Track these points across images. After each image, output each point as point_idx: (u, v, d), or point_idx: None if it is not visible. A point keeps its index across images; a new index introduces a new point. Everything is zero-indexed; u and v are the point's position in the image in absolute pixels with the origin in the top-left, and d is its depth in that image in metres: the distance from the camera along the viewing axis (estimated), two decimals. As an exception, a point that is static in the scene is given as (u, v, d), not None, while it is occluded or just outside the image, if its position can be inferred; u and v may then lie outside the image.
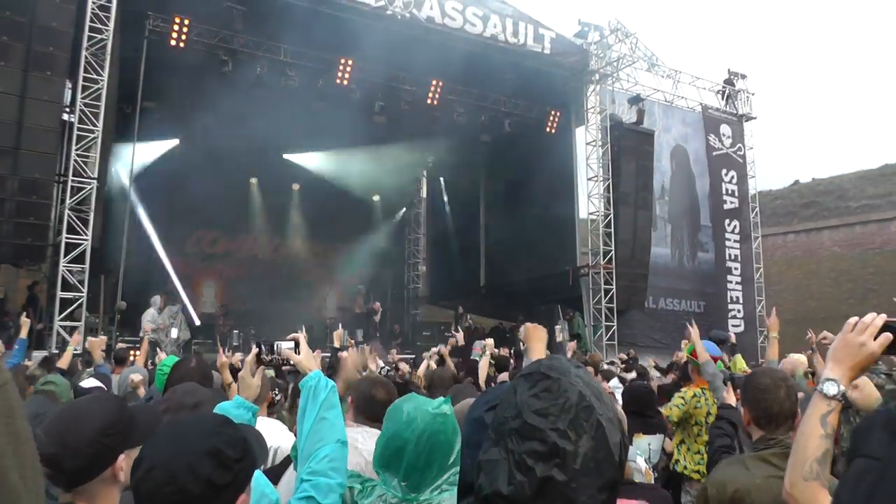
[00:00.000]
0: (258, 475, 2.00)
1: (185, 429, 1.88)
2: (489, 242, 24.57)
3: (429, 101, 18.77)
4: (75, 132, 13.49)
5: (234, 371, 5.69)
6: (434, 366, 8.75)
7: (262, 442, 2.25)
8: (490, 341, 8.98)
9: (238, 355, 7.36)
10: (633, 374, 10.40)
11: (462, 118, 19.56)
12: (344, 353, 5.23)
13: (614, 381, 9.26)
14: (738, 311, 22.11)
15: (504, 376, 7.59)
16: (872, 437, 0.67)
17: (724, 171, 22.54)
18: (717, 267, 22.08)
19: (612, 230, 19.42)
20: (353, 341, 14.58)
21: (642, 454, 5.05)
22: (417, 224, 27.85)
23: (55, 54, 12.89)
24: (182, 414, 2.85)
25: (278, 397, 5.23)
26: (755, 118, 23.65)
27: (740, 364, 7.97)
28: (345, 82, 17.56)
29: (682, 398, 6.23)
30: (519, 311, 20.68)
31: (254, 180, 22.60)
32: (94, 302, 14.28)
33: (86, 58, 13.60)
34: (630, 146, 19.78)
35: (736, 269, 22.39)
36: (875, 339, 1.89)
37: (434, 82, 18.53)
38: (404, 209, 27.55)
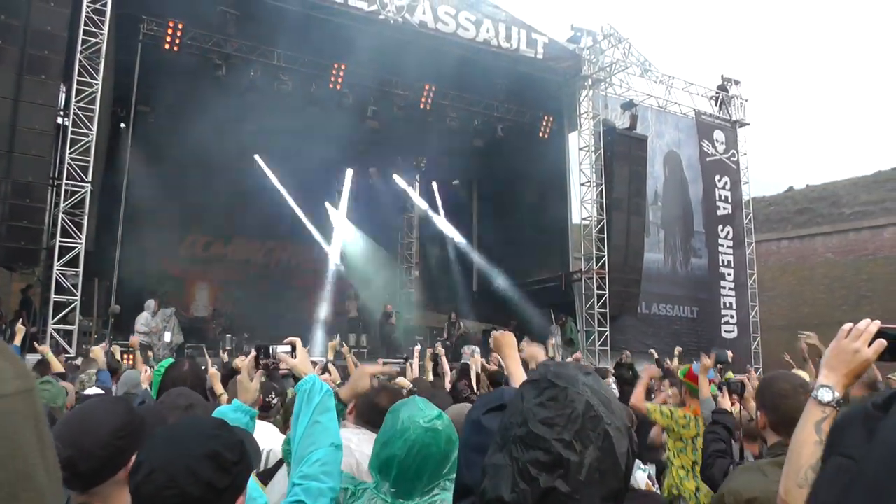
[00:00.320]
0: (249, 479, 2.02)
1: (183, 432, 1.90)
2: (482, 247, 24.53)
3: (421, 106, 18.78)
4: (69, 136, 13.48)
5: (235, 373, 5.70)
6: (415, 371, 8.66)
7: (255, 445, 2.28)
8: (476, 353, 8.91)
9: (240, 359, 7.35)
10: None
11: (455, 123, 19.58)
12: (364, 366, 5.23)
13: (608, 380, 9.26)
14: (732, 316, 22.12)
15: None
16: (849, 435, 0.68)
17: (717, 177, 22.57)
18: (710, 273, 22.08)
19: (605, 235, 19.43)
20: (347, 347, 14.58)
21: (644, 470, 4.99)
22: (410, 228, 27.83)
23: (49, 58, 12.89)
24: (175, 416, 2.86)
25: (275, 401, 5.23)
26: (749, 124, 23.69)
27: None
28: (338, 87, 17.59)
29: (670, 411, 6.24)
30: (512, 315, 20.68)
31: (247, 184, 22.59)
32: (87, 305, 14.28)
33: (80, 61, 13.59)
34: (623, 151, 19.82)
35: (729, 274, 22.39)
36: (869, 345, 1.92)
37: (427, 87, 18.54)
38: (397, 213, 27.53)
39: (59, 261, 13.18)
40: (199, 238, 23.05)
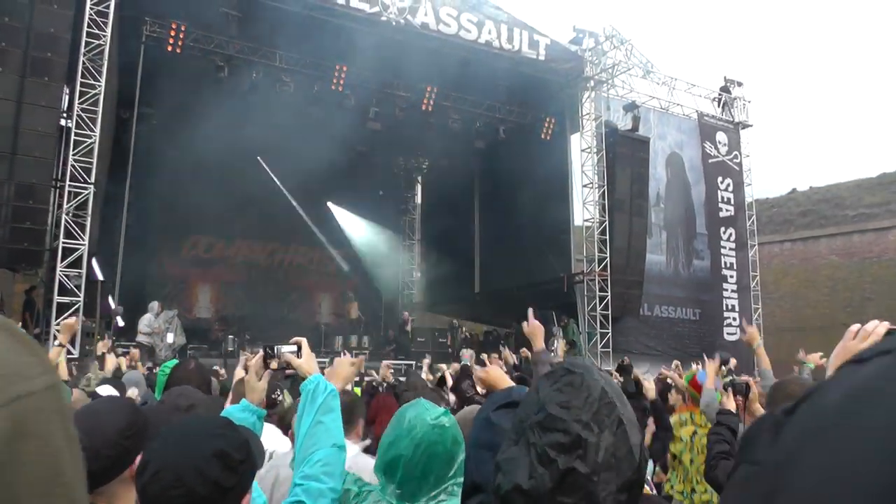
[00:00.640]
0: None
1: (190, 431, 1.90)
2: (484, 249, 24.57)
3: (423, 108, 18.78)
4: (73, 137, 13.47)
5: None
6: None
7: (259, 445, 2.28)
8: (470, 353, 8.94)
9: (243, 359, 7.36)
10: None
11: (456, 124, 19.60)
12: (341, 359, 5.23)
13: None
14: (734, 319, 22.05)
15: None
16: (757, 442, 0.67)
17: (720, 179, 22.54)
18: (712, 275, 22.06)
19: (608, 237, 19.40)
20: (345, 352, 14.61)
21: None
22: (412, 230, 27.86)
23: (53, 60, 12.91)
24: (176, 416, 2.86)
25: (280, 398, 5.23)
26: (751, 126, 23.66)
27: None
28: (340, 88, 17.61)
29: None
30: (513, 317, 20.68)
31: (249, 186, 22.62)
32: (90, 306, 14.30)
33: (83, 63, 13.60)
34: (625, 153, 19.80)
35: (731, 277, 22.36)
36: None
37: (428, 88, 18.55)
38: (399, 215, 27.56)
39: (62, 262, 13.19)
40: (202, 239, 23.07)
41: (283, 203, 22.85)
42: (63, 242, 13.24)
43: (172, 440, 1.86)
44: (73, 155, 13.43)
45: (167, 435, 1.91)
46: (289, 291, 23.34)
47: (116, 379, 7.08)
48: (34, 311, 14.82)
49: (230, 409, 2.84)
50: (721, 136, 22.83)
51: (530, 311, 4.03)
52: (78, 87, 13.55)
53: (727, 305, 22.13)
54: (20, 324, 11.99)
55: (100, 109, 13.71)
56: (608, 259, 19.33)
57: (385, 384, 8.35)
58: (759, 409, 4.49)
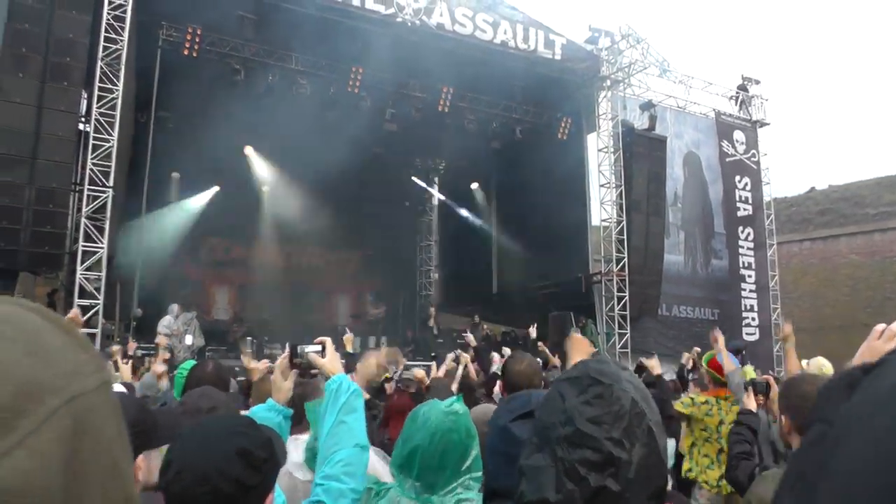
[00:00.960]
0: None
1: (213, 430, 1.90)
2: (501, 249, 24.55)
3: (439, 108, 18.78)
4: (91, 141, 13.58)
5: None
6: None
7: (281, 443, 2.29)
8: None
9: (264, 362, 7.38)
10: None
11: (472, 125, 19.60)
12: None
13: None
14: (753, 319, 21.95)
15: None
16: (830, 401, 0.66)
17: (737, 178, 22.41)
18: (730, 274, 21.94)
19: (625, 237, 19.35)
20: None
21: None
22: (429, 231, 27.88)
23: (71, 65, 12.99)
24: (198, 418, 2.84)
25: None
26: (769, 124, 23.50)
27: (749, 374, 7.89)
28: (356, 90, 17.64)
29: (691, 399, 6.21)
30: (531, 318, 20.64)
31: (266, 188, 22.70)
32: (110, 309, 14.41)
33: (101, 68, 13.69)
34: (642, 152, 19.72)
35: (750, 276, 22.22)
36: None
37: (444, 89, 18.54)
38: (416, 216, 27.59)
39: (81, 265, 13.30)
40: (220, 242, 23.18)
41: (299, 204, 22.91)
42: (82, 246, 13.35)
43: (195, 439, 1.86)
44: (92, 159, 13.53)
45: (190, 434, 1.91)
46: (306, 293, 23.40)
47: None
48: (55, 314, 14.91)
49: (256, 409, 2.83)
50: (738, 135, 22.70)
51: (573, 330, 4.07)
52: (96, 92, 13.64)
53: (746, 305, 22.00)
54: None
55: (117, 113, 13.79)
56: (626, 259, 19.26)
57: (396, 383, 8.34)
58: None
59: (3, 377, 0.57)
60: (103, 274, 13.50)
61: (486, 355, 12.62)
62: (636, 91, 20.70)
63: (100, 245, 13.47)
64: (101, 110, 13.66)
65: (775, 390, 5.23)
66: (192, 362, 5.50)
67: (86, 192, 13.47)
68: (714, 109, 22.50)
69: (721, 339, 5.69)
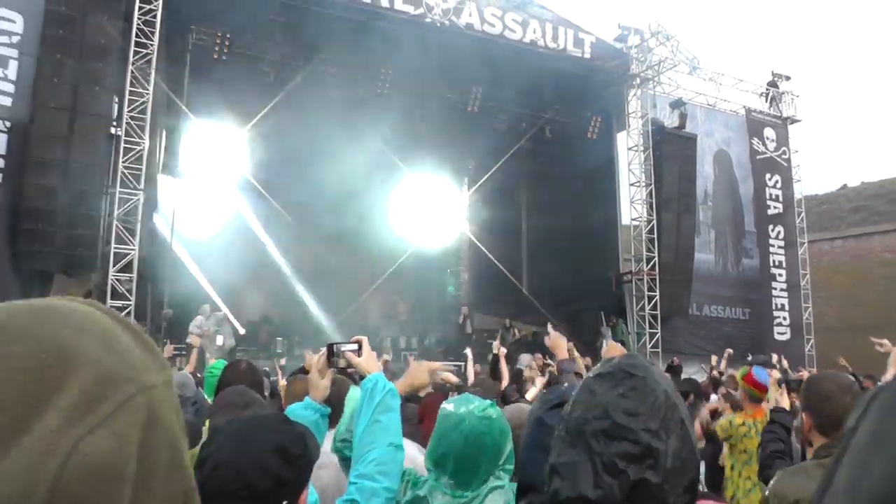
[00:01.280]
0: None
1: (248, 426, 1.91)
2: (531, 249, 24.50)
3: (469, 109, 18.80)
4: (122, 145, 13.75)
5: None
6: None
7: (314, 439, 2.30)
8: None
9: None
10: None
11: (502, 125, 19.60)
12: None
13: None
14: (784, 318, 21.72)
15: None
16: (857, 409, 0.67)
17: (768, 176, 22.18)
18: (761, 273, 21.73)
19: (655, 236, 19.23)
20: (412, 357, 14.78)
21: None
22: (461, 230, 27.80)
23: (103, 69, 13.17)
24: (233, 414, 2.88)
25: None
26: (800, 121, 23.24)
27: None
28: (385, 91, 17.70)
29: (730, 422, 6.10)
30: (561, 317, 20.57)
31: (294, 189, 22.78)
32: (141, 310, 14.55)
33: (132, 72, 13.85)
34: (672, 151, 19.59)
35: (781, 275, 21.98)
36: None
37: (474, 90, 18.55)
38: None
39: (114, 266, 13.46)
40: (253, 242, 23.28)
41: (329, 205, 22.97)
42: (115, 248, 13.52)
43: (231, 436, 1.86)
44: (123, 162, 13.69)
45: (225, 430, 1.92)
46: (336, 293, 23.44)
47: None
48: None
49: (293, 407, 2.84)
50: (769, 132, 22.47)
51: (549, 326, 4.23)
52: (127, 96, 13.81)
53: (777, 305, 21.78)
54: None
55: (147, 117, 13.97)
56: (656, 258, 19.14)
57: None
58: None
59: (85, 365, 0.62)
60: (134, 275, 13.66)
61: (516, 356, 12.66)
62: (666, 89, 20.57)
63: (131, 247, 13.63)
64: (132, 114, 13.83)
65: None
66: (223, 362, 5.52)
67: (117, 195, 13.64)
68: (744, 107, 22.29)
69: (778, 374, 5.58)
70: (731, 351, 12.24)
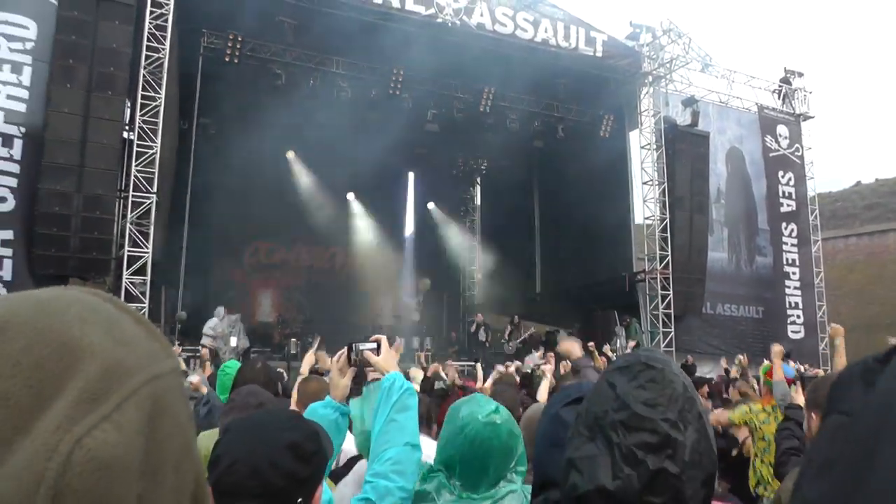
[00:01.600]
0: None
1: (261, 424, 1.91)
2: (544, 249, 24.51)
3: (481, 109, 18.77)
4: (135, 149, 13.81)
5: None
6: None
7: (328, 437, 2.30)
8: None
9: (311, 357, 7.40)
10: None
11: (514, 125, 19.55)
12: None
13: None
14: (798, 316, 21.60)
15: None
16: (847, 391, 0.67)
17: (780, 173, 22.05)
18: (774, 272, 21.61)
19: (668, 235, 19.15)
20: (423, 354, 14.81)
21: None
22: (472, 231, 27.86)
23: (115, 74, 13.20)
24: (246, 414, 2.86)
25: None
26: (813, 117, 23.09)
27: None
28: (397, 92, 17.69)
29: (749, 408, 6.11)
30: (575, 317, 20.56)
31: (307, 190, 22.83)
32: (155, 312, 14.61)
33: (144, 76, 13.93)
34: (685, 149, 19.49)
35: (794, 273, 21.85)
36: None
37: (486, 89, 18.53)
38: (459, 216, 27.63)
39: (127, 270, 13.53)
40: (263, 245, 23.38)
41: (341, 206, 23.04)
42: (128, 251, 13.59)
43: (244, 433, 1.86)
44: (136, 166, 13.77)
45: (239, 428, 1.91)
46: (349, 294, 23.51)
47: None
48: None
49: (314, 406, 2.83)
50: (782, 129, 22.35)
51: (562, 333, 4.27)
52: (139, 100, 13.89)
53: (790, 303, 21.65)
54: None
55: (160, 121, 14.04)
56: (669, 257, 19.07)
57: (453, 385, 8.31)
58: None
59: (90, 357, 0.61)
60: (148, 278, 13.74)
61: (524, 355, 12.66)
62: (678, 87, 20.49)
63: (145, 250, 13.69)
64: (145, 118, 13.89)
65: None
66: (236, 362, 5.54)
67: (130, 199, 13.72)
68: (757, 104, 22.19)
69: (778, 350, 5.61)
70: (742, 357, 12.20)
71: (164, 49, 14.20)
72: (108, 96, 13.11)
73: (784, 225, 21.89)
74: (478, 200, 27.93)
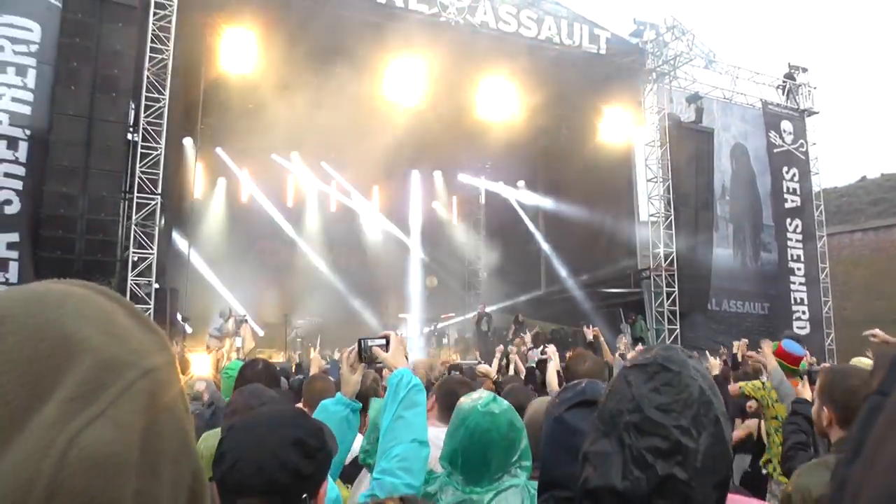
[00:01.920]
0: None
1: (266, 421, 1.91)
2: (549, 246, 24.47)
3: (485, 106, 18.71)
4: (139, 150, 13.84)
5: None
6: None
7: (332, 433, 2.32)
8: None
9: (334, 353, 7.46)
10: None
11: (519, 122, 19.51)
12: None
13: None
14: (804, 312, 21.54)
15: None
16: (889, 376, 0.68)
17: (785, 169, 22.00)
18: (779, 268, 21.58)
19: (673, 231, 19.14)
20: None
21: None
22: (477, 229, 27.85)
23: (119, 76, 13.25)
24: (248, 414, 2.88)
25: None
26: (817, 113, 23.05)
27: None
28: (401, 90, 17.63)
29: (762, 383, 6.07)
30: (580, 315, 20.53)
31: (312, 191, 22.83)
32: (160, 314, 14.63)
33: (147, 78, 13.97)
34: (689, 146, 19.47)
35: (799, 269, 21.81)
36: None
37: (490, 87, 18.48)
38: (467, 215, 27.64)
39: (132, 271, 13.55)
40: (269, 245, 23.40)
41: (347, 206, 23.05)
42: (133, 252, 13.62)
43: (249, 430, 1.86)
44: (140, 167, 13.79)
45: (243, 426, 1.91)
46: (356, 293, 23.52)
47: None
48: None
49: (324, 403, 2.82)
50: (786, 125, 22.29)
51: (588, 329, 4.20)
52: (143, 102, 13.92)
53: (796, 299, 21.61)
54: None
55: (164, 122, 14.06)
56: (674, 254, 19.05)
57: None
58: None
59: (85, 352, 0.61)
60: (153, 279, 13.76)
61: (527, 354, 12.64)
62: (682, 83, 20.47)
63: (149, 251, 13.72)
64: (149, 119, 13.92)
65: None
66: (239, 363, 5.55)
67: (135, 200, 13.75)
68: (761, 100, 22.14)
69: (768, 346, 5.59)
70: (745, 340, 12.15)
71: (167, 50, 14.23)
72: (112, 98, 13.15)
73: (789, 221, 21.85)
74: (482, 199, 27.91)
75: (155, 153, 13.94)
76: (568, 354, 6.44)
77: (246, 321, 17.26)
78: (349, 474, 3.35)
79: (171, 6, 14.29)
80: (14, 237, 12.62)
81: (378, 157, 18.71)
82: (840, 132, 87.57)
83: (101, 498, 0.56)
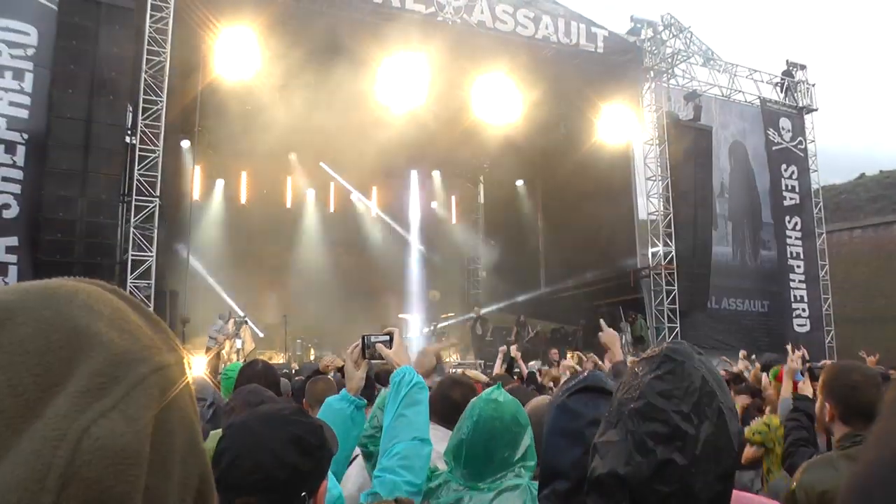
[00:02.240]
0: None
1: (264, 419, 1.90)
2: (548, 246, 24.47)
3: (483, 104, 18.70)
4: (137, 153, 13.84)
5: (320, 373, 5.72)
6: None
7: (332, 431, 2.32)
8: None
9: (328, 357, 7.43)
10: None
11: (517, 121, 19.50)
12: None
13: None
14: (804, 310, 21.53)
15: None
16: None
17: (784, 167, 21.99)
18: (779, 265, 21.58)
19: (672, 230, 19.14)
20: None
21: None
22: (476, 229, 27.85)
23: (117, 79, 13.25)
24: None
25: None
26: (816, 110, 23.02)
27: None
28: (398, 90, 17.62)
29: (767, 425, 6.00)
30: (580, 314, 20.52)
31: (311, 192, 22.82)
32: (159, 315, 14.61)
33: (145, 80, 13.96)
34: (688, 143, 19.45)
35: (798, 267, 21.79)
36: None
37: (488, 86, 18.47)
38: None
39: (132, 274, 13.55)
40: (268, 246, 23.38)
41: (346, 207, 23.03)
42: (132, 255, 13.63)
43: (248, 428, 1.86)
44: (139, 170, 13.80)
45: (241, 423, 1.91)
46: (355, 295, 23.51)
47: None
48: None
49: (329, 400, 2.82)
50: (785, 122, 22.29)
51: (602, 323, 4.10)
52: (141, 104, 13.92)
53: (795, 296, 21.60)
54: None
55: (162, 125, 14.06)
56: (674, 252, 19.05)
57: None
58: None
59: (97, 346, 0.61)
60: (153, 282, 13.75)
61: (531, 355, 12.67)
62: (680, 81, 20.48)
63: (149, 254, 13.72)
64: (147, 122, 13.92)
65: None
66: (238, 364, 5.55)
67: (134, 203, 13.76)
68: (759, 97, 22.14)
69: (797, 357, 5.50)
70: (745, 352, 12.19)
71: (164, 52, 14.23)
72: (109, 101, 13.15)
73: (788, 218, 21.85)
74: (481, 198, 27.91)
75: (153, 156, 13.93)
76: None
77: (246, 323, 17.28)
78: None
79: (167, 8, 14.29)
80: (13, 241, 12.64)
81: (376, 157, 18.69)
82: (839, 129, 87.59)
83: (114, 488, 0.56)
